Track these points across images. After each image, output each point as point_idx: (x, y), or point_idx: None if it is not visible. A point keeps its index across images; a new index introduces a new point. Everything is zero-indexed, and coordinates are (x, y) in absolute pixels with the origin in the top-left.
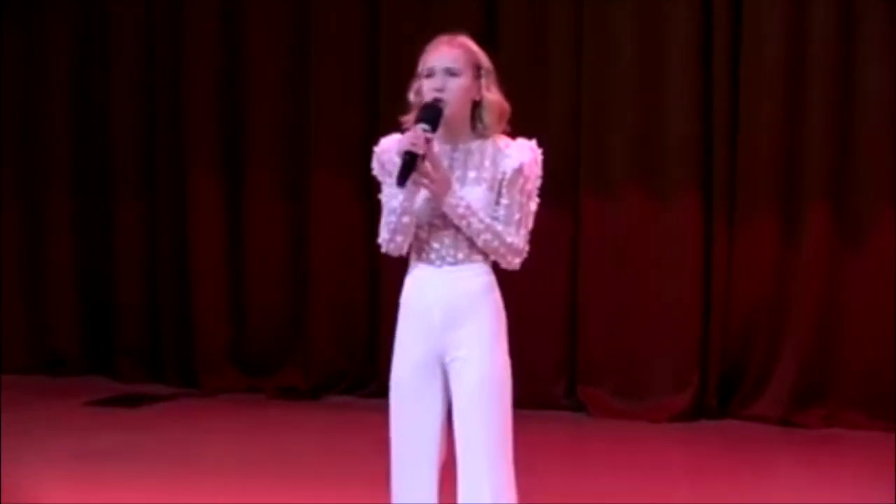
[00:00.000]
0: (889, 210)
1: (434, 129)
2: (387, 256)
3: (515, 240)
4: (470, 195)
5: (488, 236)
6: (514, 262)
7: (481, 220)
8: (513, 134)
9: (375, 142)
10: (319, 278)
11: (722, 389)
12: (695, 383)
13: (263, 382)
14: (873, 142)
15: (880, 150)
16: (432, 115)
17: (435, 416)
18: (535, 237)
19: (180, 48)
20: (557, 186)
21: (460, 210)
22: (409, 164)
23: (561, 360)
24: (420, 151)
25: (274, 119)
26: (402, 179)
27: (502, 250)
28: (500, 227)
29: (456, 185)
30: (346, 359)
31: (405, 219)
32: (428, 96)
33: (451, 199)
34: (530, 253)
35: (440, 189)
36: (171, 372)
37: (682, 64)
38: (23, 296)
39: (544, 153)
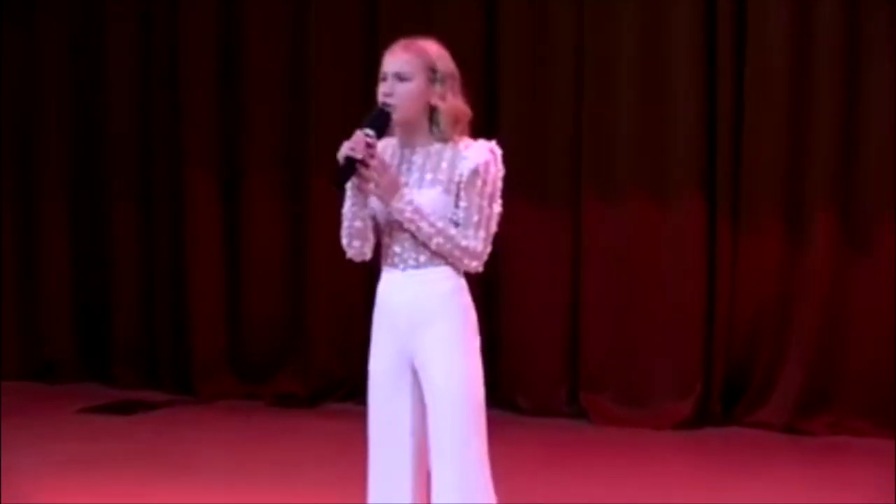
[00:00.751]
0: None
1: (380, 134)
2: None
3: (472, 243)
4: (425, 197)
5: (440, 240)
6: (472, 265)
7: (432, 224)
8: (515, 135)
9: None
10: (318, 283)
11: (726, 396)
12: (698, 390)
13: (261, 389)
14: (879, 146)
15: (886, 155)
16: (378, 119)
17: (407, 418)
18: (537, 242)
19: (178, 47)
20: (558, 189)
21: (407, 214)
22: (346, 168)
23: (562, 367)
24: (358, 156)
25: (273, 119)
26: (337, 183)
27: (457, 253)
28: (452, 231)
29: (405, 190)
30: (344, 365)
31: (357, 223)
32: (379, 100)
33: (398, 204)
34: (532, 259)
35: (386, 194)
36: (166, 378)
37: (685, 65)
38: (17, 301)
39: (547, 157)
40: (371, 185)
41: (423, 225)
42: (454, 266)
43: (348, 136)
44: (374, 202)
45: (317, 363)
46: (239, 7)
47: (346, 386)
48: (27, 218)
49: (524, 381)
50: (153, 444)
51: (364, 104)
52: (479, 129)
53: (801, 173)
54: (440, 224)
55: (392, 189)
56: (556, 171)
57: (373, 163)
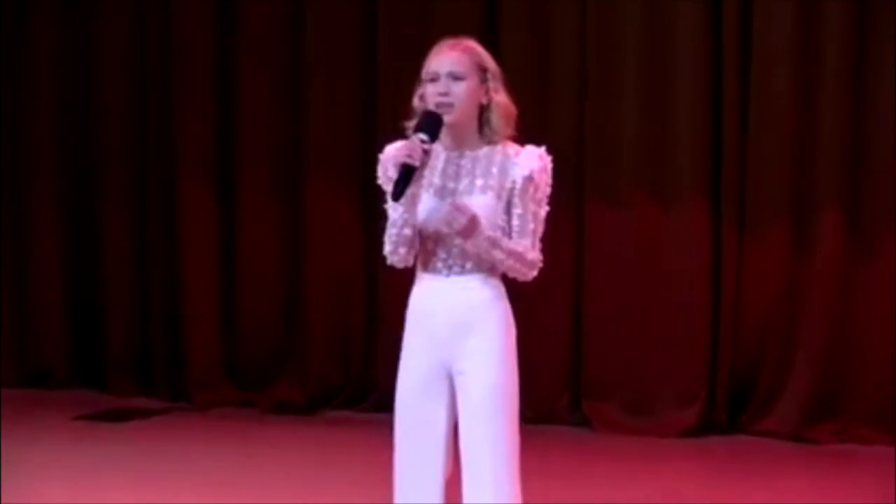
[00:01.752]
0: None
1: (433, 138)
2: (383, 266)
3: (533, 255)
4: (477, 203)
5: (511, 262)
6: (531, 275)
7: (504, 249)
8: (515, 139)
9: (372, 149)
10: (315, 288)
11: (731, 404)
12: (703, 397)
13: (257, 396)
14: (886, 149)
15: (893, 157)
16: (432, 124)
17: (440, 426)
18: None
19: (171, 52)
20: (561, 194)
21: (485, 246)
22: (406, 176)
23: (565, 374)
24: (416, 164)
25: (268, 124)
26: (398, 193)
27: (524, 269)
28: (520, 249)
29: (481, 225)
30: (342, 372)
31: (406, 231)
32: (432, 101)
33: (476, 239)
34: None
35: (468, 233)
36: (161, 385)
37: (689, 66)
38: (9, 307)
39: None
40: (455, 226)
41: (497, 253)
42: (497, 273)
43: (345, 140)
44: (420, 209)
45: (314, 371)
46: (234, 10)
47: (346, 393)
48: (20, 224)
49: (525, 389)
50: (149, 453)
51: (361, 110)
52: None
53: (807, 176)
54: (510, 246)
55: (472, 226)
56: (559, 174)
57: (454, 207)
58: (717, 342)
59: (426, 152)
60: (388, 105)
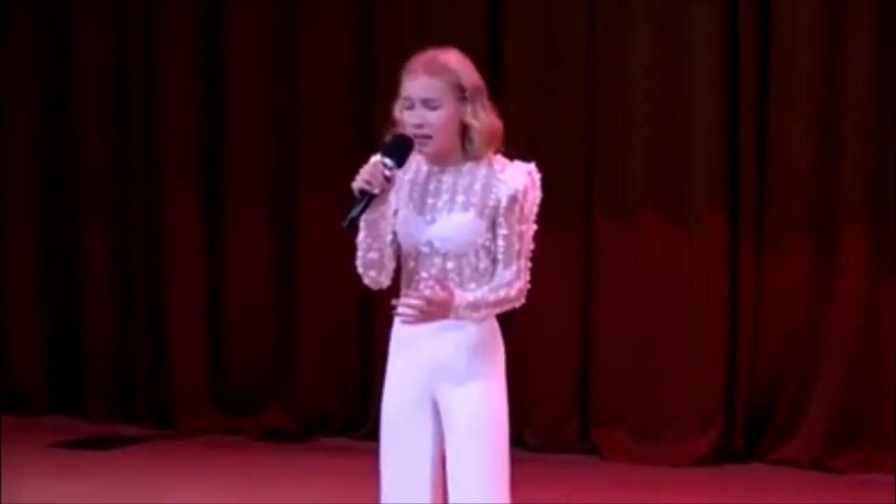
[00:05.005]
0: None
1: (400, 163)
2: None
3: (518, 285)
4: (456, 221)
5: (498, 310)
6: (519, 304)
7: (488, 305)
8: (521, 153)
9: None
10: (307, 310)
11: (749, 430)
12: (719, 424)
13: (246, 423)
14: None
15: None
16: (400, 149)
17: (426, 451)
18: (545, 267)
19: (155, 64)
20: (569, 211)
21: (468, 314)
22: (362, 202)
23: (572, 399)
24: (375, 191)
25: (258, 136)
26: (351, 219)
27: (511, 307)
28: (501, 295)
29: (456, 299)
30: (336, 397)
31: (371, 255)
32: (409, 130)
33: (455, 315)
34: (540, 284)
35: (443, 315)
36: (144, 411)
37: (705, 72)
38: None
39: (555, 174)
40: (424, 315)
41: (483, 312)
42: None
43: (340, 153)
44: (399, 226)
45: (306, 396)
46: (221, 18)
47: (340, 419)
48: None
49: (532, 415)
50: (131, 482)
51: (356, 123)
52: None
53: (831, 192)
54: (492, 299)
55: (445, 309)
56: (566, 188)
57: (416, 297)
58: (734, 365)
59: (388, 179)
60: (385, 112)
